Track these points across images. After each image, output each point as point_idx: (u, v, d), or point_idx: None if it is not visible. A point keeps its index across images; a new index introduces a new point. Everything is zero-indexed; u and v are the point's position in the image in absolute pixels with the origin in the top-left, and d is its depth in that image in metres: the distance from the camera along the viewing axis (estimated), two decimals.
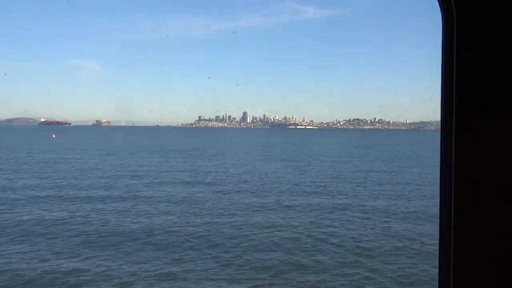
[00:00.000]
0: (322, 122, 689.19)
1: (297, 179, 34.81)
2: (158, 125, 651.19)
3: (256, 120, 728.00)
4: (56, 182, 30.80)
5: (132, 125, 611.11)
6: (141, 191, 27.17)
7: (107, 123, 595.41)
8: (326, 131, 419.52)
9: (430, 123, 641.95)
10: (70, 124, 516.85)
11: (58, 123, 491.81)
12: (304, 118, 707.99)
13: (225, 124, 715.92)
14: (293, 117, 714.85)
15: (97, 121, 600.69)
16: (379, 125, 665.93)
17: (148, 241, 16.15)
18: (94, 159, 51.40)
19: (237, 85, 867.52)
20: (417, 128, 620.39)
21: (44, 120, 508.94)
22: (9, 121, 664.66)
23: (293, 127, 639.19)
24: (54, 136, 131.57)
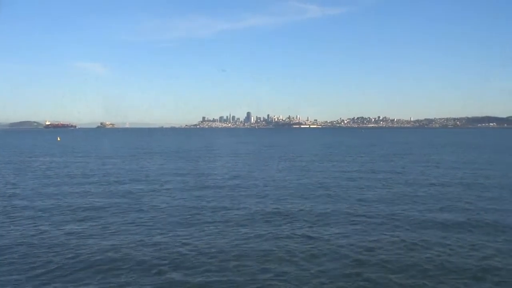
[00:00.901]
0: (326, 121, 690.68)
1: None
2: (162, 127, 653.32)
3: (260, 120, 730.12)
4: (58, 187, 30.56)
5: (136, 127, 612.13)
6: (141, 197, 26.88)
7: (111, 126, 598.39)
8: (330, 130, 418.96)
9: (434, 120, 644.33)
10: (75, 126, 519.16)
11: (63, 125, 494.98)
12: (308, 117, 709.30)
13: (229, 124, 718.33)
14: (297, 116, 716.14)
15: (101, 123, 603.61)
16: (383, 123, 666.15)
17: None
18: (96, 161, 51.22)
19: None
20: (422, 126, 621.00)
21: (49, 123, 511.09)
22: (14, 124, 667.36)
23: (297, 126, 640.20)
24: (59, 138, 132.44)
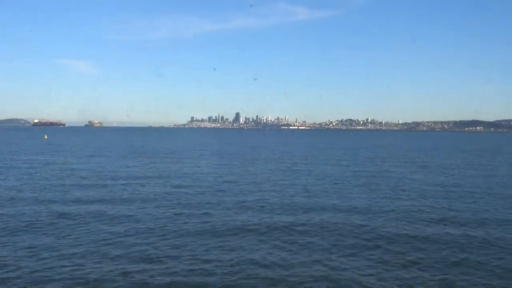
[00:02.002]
0: (315, 123, 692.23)
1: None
2: (150, 126, 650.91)
3: (249, 121, 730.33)
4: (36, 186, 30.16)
5: (124, 126, 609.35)
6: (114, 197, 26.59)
7: (99, 124, 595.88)
8: (318, 131, 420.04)
9: (422, 123, 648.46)
10: (64, 125, 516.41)
11: (52, 124, 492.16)
12: (296, 119, 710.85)
13: (218, 124, 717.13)
14: (286, 117, 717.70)
15: (89, 121, 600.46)
16: (372, 125, 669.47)
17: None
18: (79, 161, 50.74)
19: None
20: (410, 129, 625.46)
21: (37, 121, 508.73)
22: (0, 122, 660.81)
23: (286, 127, 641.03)
24: (46, 137, 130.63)
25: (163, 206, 23.12)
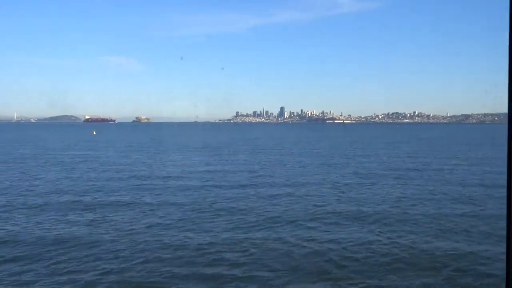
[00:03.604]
0: (360, 116, 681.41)
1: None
2: (196, 121, 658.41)
3: (294, 115, 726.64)
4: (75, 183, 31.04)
5: (170, 121, 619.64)
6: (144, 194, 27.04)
7: (146, 120, 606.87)
8: (364, 125, 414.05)
9: (471, 116, 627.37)
10: (114, 121, 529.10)
11: (102, 120, 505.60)
12: (341, 113, 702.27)
13: (263, 119, 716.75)
14: (330, 111, 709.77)
15: (136, 117, 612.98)
16: (419, 118, 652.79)
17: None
18: (116, 155, 51.95)
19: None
20: (458, 121, 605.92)
21: (89, 117, 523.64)
22: (53, 118, 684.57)
23: (331, 122, 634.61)
24: (94, 132, 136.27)
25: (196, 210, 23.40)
